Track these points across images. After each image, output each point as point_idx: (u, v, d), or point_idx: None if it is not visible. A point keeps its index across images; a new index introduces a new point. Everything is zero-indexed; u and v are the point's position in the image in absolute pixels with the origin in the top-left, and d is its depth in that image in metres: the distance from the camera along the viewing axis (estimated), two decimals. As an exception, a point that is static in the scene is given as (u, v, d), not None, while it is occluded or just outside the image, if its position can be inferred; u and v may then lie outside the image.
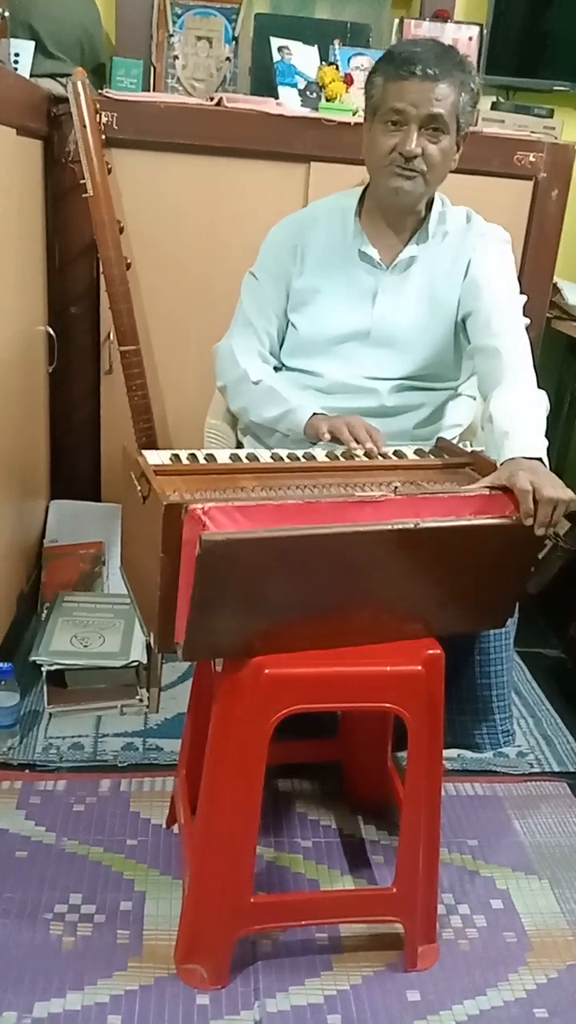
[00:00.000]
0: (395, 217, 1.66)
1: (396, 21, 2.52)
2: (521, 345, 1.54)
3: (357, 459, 1.46)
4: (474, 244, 1.67)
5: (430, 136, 1.53)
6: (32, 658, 2.00)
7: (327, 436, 1.53)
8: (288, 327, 1.76)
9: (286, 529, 1.18)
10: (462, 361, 1.75)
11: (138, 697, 2.03)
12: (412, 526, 1.23)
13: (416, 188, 1.58)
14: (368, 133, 1.60)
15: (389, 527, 1.22)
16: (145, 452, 1.39)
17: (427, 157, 1.54)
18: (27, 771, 1.83)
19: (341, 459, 1.47)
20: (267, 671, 1.27)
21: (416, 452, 1.55)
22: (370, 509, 1.26)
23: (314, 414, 1.59)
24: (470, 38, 2.53)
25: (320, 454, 1.50)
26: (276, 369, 1.79)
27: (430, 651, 1.34)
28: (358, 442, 1.48)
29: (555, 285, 2.50)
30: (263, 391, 1.67)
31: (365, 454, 1.47)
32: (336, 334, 1.70)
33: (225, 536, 1.13)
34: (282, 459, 1.47)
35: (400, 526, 1.22)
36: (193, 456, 1.43)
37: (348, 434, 1.50)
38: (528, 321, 1.60)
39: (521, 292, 1.65)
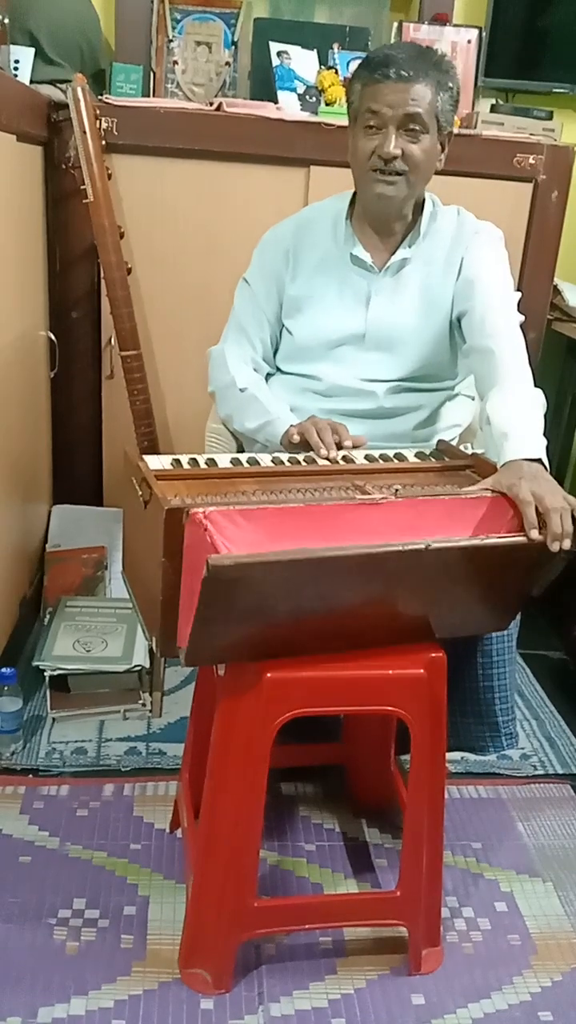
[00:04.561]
0: (383, 221, 1.66)
1: (395, 24, 2.52)
2: (516, 344, 1.54)
3: (323, 463, 1.47)
4: (467, 243, 1.67)
5: (409, 137, 1.53)
6: (35, 663, 2.01)
7: (296, 438, 1.54)
8: (282, 332, 1.77)
9: (295, 552, 1.15)
10: (458, 361, 1.74)
11: (141, 701, 2.03)
12: (423, 547, 1.20)
13: (399, 192, 1.58)
14: (351, 139, 1.60)
15: (400, 548, 1.19)
16: (146, 457, 1.39)
17: (408, 158, 1.54)
18: (30, 776, 1.83)
19: (303, 463, 1.47)
20: (269, 675, 1.26)
21: (416, 455, 1.55)
22: (371, 511, 1.26)
23: (291, 426, 1.60)
24: (469, 41, 2.53)
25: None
26: (270, 375, 1.79)
27: (432, 654, 1.34)
28: (324, 444, 1.49)
29: (555, 287, 2.50)
30: (247, 400, 1.67)
31: (328, 459, 1.47)
32: (331, 338, 1.70)
33: (233, 560, 1.11)
34: (283, 463, 1.47)
35: (411, 547, 1.20)
36: (194, 460, 1.43)
37: (316, 437, 1.51)
38: (523, 318, 1.60)
39: (520, 293, 1.65)
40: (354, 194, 1.70)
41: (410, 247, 1.67)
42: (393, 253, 1.67)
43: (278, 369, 1.79)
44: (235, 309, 1.78)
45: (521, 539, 1.26)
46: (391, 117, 1.51)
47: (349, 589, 1.23)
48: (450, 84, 1.55)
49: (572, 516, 1.27)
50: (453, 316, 1.68)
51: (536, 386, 1.51)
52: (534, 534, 1.26)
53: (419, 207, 1.68)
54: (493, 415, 1.44)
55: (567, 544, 1.26)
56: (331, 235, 1.70)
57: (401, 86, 1.50)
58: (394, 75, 1.49)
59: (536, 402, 1.46)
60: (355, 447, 1.51)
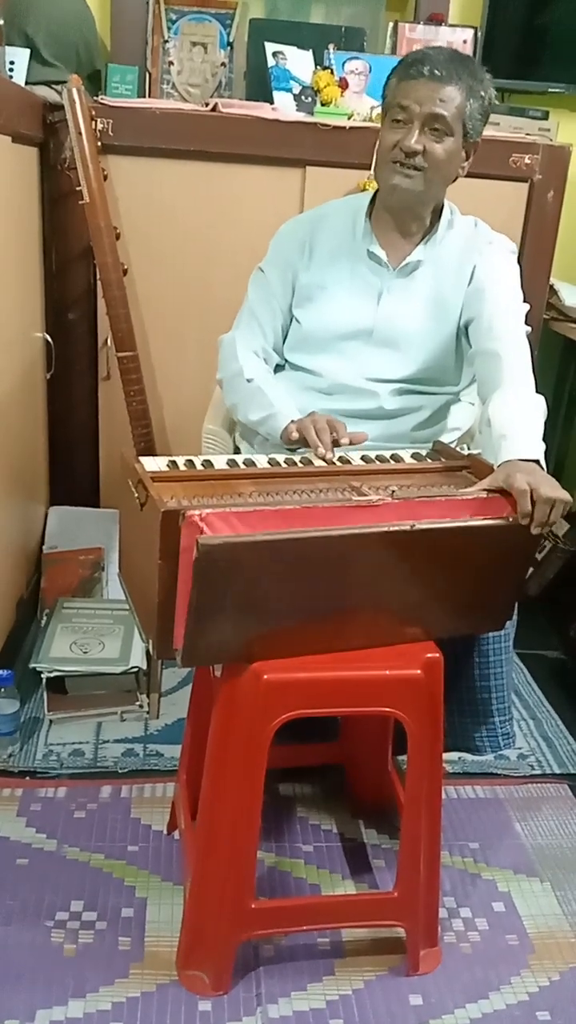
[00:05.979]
0: (400, 218, 1.67)
1: (391, 25, 2.52)
2: (521, 350, 1.55)
3: (319, 464, 1.47)
4: (480, 250, 1.68)
5: (434, 136, 1.55)
6: (32, 665, 2.01)
7: (295, 435, 1.54)
8: (292, 322, 1.77)
9: (283, 532, 1.17)
10: (463, 367, 1.75)
11: (138, 703, 2.03)
12: (409, 527, 1.23)
13: (414, 186, 1.58)
14: (380, 133, 1.61)
15: (386, 529, 1.22)
16: (143, 459, 1.38)
17: (428, 155, 1.55)
18: (28, 778, 1.83)
19: (299, 464, 1.47)
20: (265, 676, 1.27)
21: (413, 456, 1.55)
22: (368, 513, 1.26)
23: (291, 421, 1.60)
24: (464, 41, 2.53)
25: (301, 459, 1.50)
26: (279, 367, 1.79)
27: (429, 655, 1.34)
28: (322, 444, 1.49)
29: (552, 287, 2.50)
30: (252, 391, 1.68)
31: (324, 460, 1.47)
32: (339, 331, 1.71)
33: (222, 540, 1.13)
34: (279, 464, 1.47)
35: (397, 528, 1.22)
36: (190, 462, 1.43)
37: (315, 436, 1.51)
38: (530, 329, 1.61)
39: (529, 305, 1.65)
40: (375, 193, 1.71)
41: (425, 249, 1.68)
42: (408, 254, 1.68)
43: (285, 360, 1.79)
44: (248, 297, 1.79)
45: (502, 521, 1.28)
46: (417, 113, 1.53)
47: (339, 576, 1.24)
48: (482, 93, 1.56)
49: (565, 508, 1.30)
50: (461, 322, 1.69)
51: (536, 389, 1.51)
52: (527, 522, 1.28)
53: (437, 213, 1.69)
54: (494, 416, 1.44)
55: (545, 530, 1.29)
56: (349, 230, 1.71)
57: (432, 85, 1.52)
58: (427, 73, 1.51)
59: (537, 406, 1.47)
60: (353, 443, 1.51)
